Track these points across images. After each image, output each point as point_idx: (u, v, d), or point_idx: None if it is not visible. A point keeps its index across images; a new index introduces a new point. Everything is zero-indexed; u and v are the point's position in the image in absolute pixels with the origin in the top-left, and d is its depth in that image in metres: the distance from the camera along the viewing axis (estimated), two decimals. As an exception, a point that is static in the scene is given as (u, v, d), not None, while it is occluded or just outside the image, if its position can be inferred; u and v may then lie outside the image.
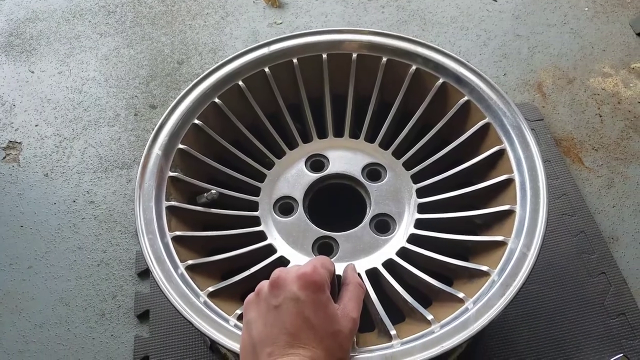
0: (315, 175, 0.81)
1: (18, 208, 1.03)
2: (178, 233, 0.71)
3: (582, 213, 0.96)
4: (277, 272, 0.57)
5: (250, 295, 0.59)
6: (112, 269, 0.95)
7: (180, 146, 0.78)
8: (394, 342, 0.62)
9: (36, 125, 1.14)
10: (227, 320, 0.64)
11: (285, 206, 0.79)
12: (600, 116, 1.07)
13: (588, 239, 0.93)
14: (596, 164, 1.01)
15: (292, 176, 0.82)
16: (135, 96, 1.16)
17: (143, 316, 0.90)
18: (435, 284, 0.67)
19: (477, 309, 0.62)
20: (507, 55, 1.16)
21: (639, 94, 1.09)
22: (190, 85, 0.81)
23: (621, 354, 0.61)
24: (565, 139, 1.04)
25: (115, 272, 0.95)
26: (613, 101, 1.09)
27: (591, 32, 1.18)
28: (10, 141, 1.12)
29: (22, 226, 1.01)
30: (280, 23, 1.22)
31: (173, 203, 0.73)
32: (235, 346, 0.61)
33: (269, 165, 0.83)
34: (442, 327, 0.62)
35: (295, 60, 0.85)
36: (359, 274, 0.68)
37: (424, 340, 0.61)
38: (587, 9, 1.21)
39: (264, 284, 0.57)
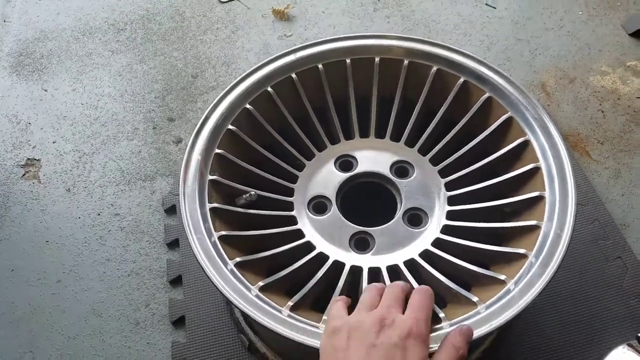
0: (346, 175, 0.85)
1: (42, 224, 1.04)
2: (224, 232, 0.73)
3: (594, 203, 1.00)
4: (387, 307, 0.58)
5: (344, 321, 0.59)
6: (143, 279, 0.96)
7: (218, 151, 0.80)
8: (443, 324, 0.64)
9: (54, 142, 1.15)
10: (279, 311, 0.67)
11: (319, 205, 0.82)
12: (603, 112, 1.12)
13: (602, 227, 0.98)
14: (603, 157, 1.07)
15: (323, 176, 0.85)
16: (152, 110, 1.18)
17: (178, 322, 0.91)
18: (475, 269, 0.70)
19: (520, 288, 0.65)
20: (510, 58, 1.21)
21: (637, 90, 1.15)
22: (223, 93, 0.84)
23: None
24: (571, 134, 1.10)
25: (147, 281, 0.96)
26: (613, 97, 1.14)
27: (587, 34, 1.24)
28: (29, 159, 1.13)
29: (47, 241, 1.01)
30: (290, 35, 1.26)
31: (215, 205, 0.76)
32: (289, 333, 0.63)
33: (300, 167, 0.86)
34: (487, 307, 0.65)
35: (320, 66, 0.88)
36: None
37: (472, 321, 0.64)
38: (580, 12, 1.28)
39: (364, 317, 0.58)
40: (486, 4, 1.25)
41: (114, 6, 1.38)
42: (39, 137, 1.16)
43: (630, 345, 0.80)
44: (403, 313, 0.59)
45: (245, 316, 0.82)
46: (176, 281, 0.95)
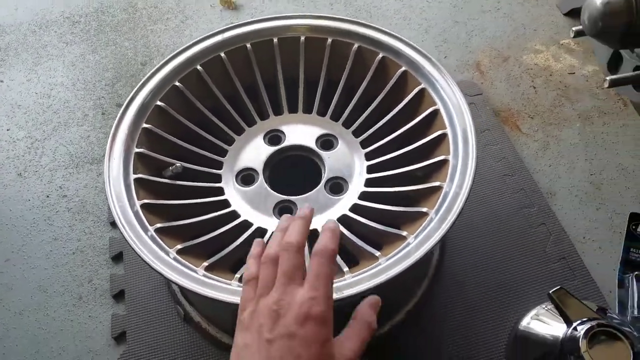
0: (274, 148, 0.89)
1: (-7, 207, 1.07)
2: (146, 201, 0.77)
3: (521, 173, 1.05)
4: (281, 292, 0.53)
5: (245, 307, 0.56)
6: (87, 256, 1.00)
7: (145, 125, 0.84)
8: (346, 276, 0.69)
9: (8, 130, 1.19)
10: (195, 271, 0.71)
11: (246, 177, 0.86)
12: (534, 88, 1.17)
13: (527, 195, 1.02)
14: (532, 130, 1.11)
15: (252, 150, 0.89)
16: (102, 97, 1.22)
17: (119, 296, 0.95)
18: (380, 228, 0.75)
19: (418, 241, 0.69)
20: (447, 40, 1.26)
21: (569, 66, 1.20)
22: (152, 71, 0.88)
23: (559, 286, 0.69)
24: (503, 110, 1.14)
25: (90, 258, 1.00)
26: (545, 74, 1.19)
27: (522, 15, 1.29)
28: (-17, 146, 1.17)
29: (-2, 223, 1.05)
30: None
31: (140, 175, 0.80)
32: (204, 291, 0.67)
33: (230, 142, 0.90)
34: (387, 260, 0.69)
35: (249, 45, 0.92)
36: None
37: (371, 272, 0.68)
38: (517, -5, 1.32)
39: (260, 306, 0.54)
40: (426, -11, 1.30)
41: (70, 1, 1.43)
42: (-7, 126, 1.20)
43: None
44: (303, 278, 0.55)
45: (181, 288, 0.86)
46: (118, 257, 0.99)
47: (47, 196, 1.08)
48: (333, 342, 0.53)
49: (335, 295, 0.62)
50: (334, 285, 0.63)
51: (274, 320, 0.52)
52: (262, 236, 0.78)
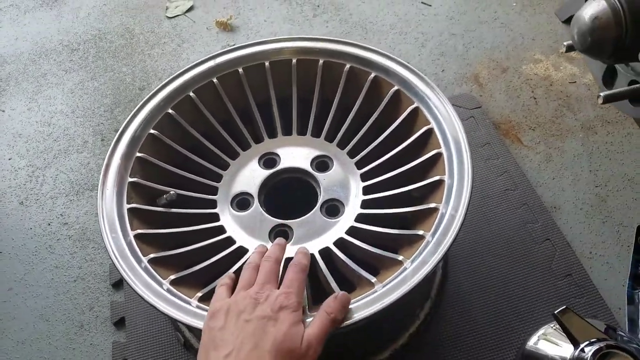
0: (269, 171, 0.88)
1: (-5, 237, 1.08)
2: (140, 231, 0.77)
3: (523, 187, 1.03)
4: (261, 283, 0.64)
5: (223, 303, 0.63)
6: (88, 283, 1.00)
7: (138, 154, 0.84)
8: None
9: (9, 159, 1.20)
10: (189, 303, 0.70)
11: (242, 202, 0.86)
12: (535, 98, 1.15)
13: (531, 210, 1.00)
14: (534, 142, 1.09)
15: (247, 174, 0.88)
16: (101, 123, 1.23)
17: (119, 324, 0.95)
18: (377, 252, 0.73)
19: (414, 266, 0.68)
20: (444, 53, 1.25)
21: (569, 75, 1.18)
22: (145, 99, 0.88)
23: (564, 306, 0.67)
24: (503, 122, 1.12)
25: (91, 285, 1.00)
26: (545, 84, 1.17)
27: (521, 25, 1.28)
28: (-15, 176, 1.18)
29: (0, 252, 1.06)
30: (233, 45, 1.30)
31: (134, 205, 0.79)
32: (197, 323, 0.66)
33: (225, 167, 0.89)
34: (383, 286, 0.68)
35: (240, 70, 0.92)
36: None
37: (367, 299, 0.66)
38: (515, 4, 1.31)
39: (240, 297, 0.62)
40: (422, 2, 1.29)
41: (69, 28, 1.44)
42: (-5, 155, 1.21)
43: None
44: (279, 286, 0.64)
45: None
46: (118, 284, 0.99)
47: (49, 224, 1.09)
48: (301, 326, 0.61)
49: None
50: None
51: (253, 307, 0.61)
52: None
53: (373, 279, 0.70)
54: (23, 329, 0.96)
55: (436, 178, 0.77)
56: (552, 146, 1.09)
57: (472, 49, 1.25)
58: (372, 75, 0.89)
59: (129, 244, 0.75)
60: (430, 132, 0.82)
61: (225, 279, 0.70)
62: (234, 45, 1.30)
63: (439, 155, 0.79)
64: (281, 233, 0.82)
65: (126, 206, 0.79)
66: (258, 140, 0.92)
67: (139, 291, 0.69)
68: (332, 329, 0.62)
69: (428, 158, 0.80)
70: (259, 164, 0.90)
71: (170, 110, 0.88)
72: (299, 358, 0.58)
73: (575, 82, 1.17)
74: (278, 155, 0.90)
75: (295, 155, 0.90)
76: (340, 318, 0.63)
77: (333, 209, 0.83)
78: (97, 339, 0.94)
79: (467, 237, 0.96)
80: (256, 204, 0.84)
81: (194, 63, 0.91)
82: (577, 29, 0.83)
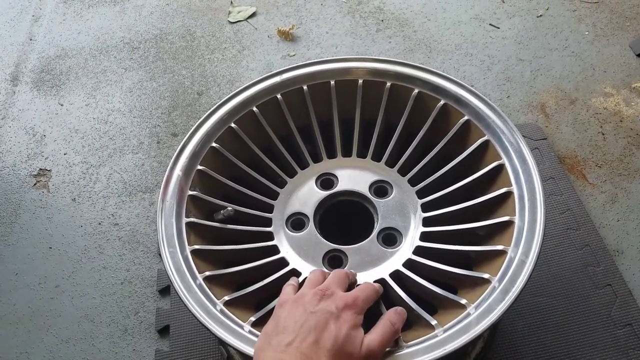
0: (325, 193, 0.86)
1: (47, 231, 1.10)
2: (196, 247, 0.76)
3: (586, 227, 0.98)
4: (328, 284, 0.66)
5: (290, 296, 0.66)
6: (134, 287, 1.00)
7: (199, 167, 0.83)
8: (399, 344, 0.65)
9: (65, 154, 1.21)
10: (241, 327, 0.69)
11: (297, 222, 0.84)
12: (603, 134, 1.10)
13: (593, 252, 0.96)
14: (600, 180, 1.04)
15: (304, 194, 0.87)
16: (158, 125, 1.23)
17: (164, 331, 0.95)
18: (439, 292, 0.71)
19: (479, 313, 0.65)
20: (511, 78, 1.20)
21: (641, 113, 1.13)
22: (208, 112, 0.87)
23: None
24: (568, 157, 1.08)
25: (138, 289, 1.00)
26: (615, 119, 1.12)
27: (592, 55, 1.22)
28: (41, 169, 1.20)
29: (50, 248, 1.07)
30: (294, 55, 1.29)
31: (192, 219, 0.79)
32: (248, 350, 0.65)
33: (282, 184, 0.88)
34: (445, 331, 0.65)
35: (305, 87, 0.90)
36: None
37: (427, 344, 0.64)
38: (587, 32, 1.26)
39: (307, 290, 0.65)
40: (490, 24, 1.25)
41: (131, 26, 1.46)
42: (51, 149, 1.23)
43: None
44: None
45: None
46: (165, 291, 0.99)
47: (99, 223, 1.09)
48: (361, 330, 0.61)
49: None
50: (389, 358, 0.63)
51: (319, 300, 0.62)
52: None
53: (433, 321, 0.67)
54: (68, 328, 0.97)
55: (505, 218, 0.74)
56: (619, 186, 1.03)
57: (539, 76, 1.20)
58: (442, 102, 0.86)
59: (186, 259, 0.74)
60: (501, 167, 0.79)
61: (291, 281, 0.72)
62: (294, 55, 1.29)
63: (509, 194, 0.76)
64: (335, 258, 0.80)
65: (184, 220, 0.78)
66: (317, 159, 0.90)
67: (193, 311, 0.68)
68: (394, 339, 0.63)
69: (497, 195, 0.77)
70: (316, 184, 0.88)
71: (232, 125, 0.87)
72: None
73: (647, 119, 1.12)
74: (336, 177, 0.88)
75: (354, 178, 0.87)
76: (400, 329, 0.64)
77: (390, 238, 0.81)
78: (140, 345, 0.94)
79: (525, 276, 0.92)
80: (311, 225, 0.83)
81: (259, 78, 0.90)
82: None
